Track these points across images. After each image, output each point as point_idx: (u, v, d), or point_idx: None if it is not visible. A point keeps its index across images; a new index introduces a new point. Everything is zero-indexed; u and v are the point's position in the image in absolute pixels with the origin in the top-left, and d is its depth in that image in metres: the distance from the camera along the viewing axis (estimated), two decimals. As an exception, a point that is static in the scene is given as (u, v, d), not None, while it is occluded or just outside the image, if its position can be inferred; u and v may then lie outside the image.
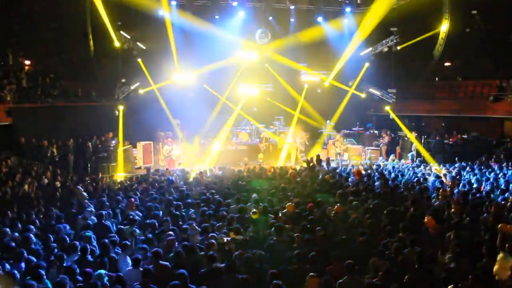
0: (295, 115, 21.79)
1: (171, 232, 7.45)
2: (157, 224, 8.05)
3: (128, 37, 19.44)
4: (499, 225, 7.00)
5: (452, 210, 8.71)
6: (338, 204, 8.80)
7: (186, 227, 7.84)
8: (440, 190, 10.54)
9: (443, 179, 12.72)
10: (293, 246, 6.93)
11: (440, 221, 8.01)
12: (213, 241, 7.11)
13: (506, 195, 10.17)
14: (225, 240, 7.35)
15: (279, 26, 21.95)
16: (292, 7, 21.12)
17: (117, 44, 18.82)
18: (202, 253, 6.82)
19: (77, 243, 6.92)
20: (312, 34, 22.86)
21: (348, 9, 21.85)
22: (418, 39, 20.91)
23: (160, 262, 6.26)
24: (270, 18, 21.38)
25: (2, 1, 18.92)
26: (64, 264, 6.21)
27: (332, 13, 22.45)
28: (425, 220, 7.73)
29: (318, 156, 16.59)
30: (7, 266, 6.00)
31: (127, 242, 7.19)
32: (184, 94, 21.48)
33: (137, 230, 7.87)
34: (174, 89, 21.28)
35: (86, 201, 10.03)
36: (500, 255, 5.83)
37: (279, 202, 9.85)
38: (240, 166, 16.52)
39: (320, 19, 22.29)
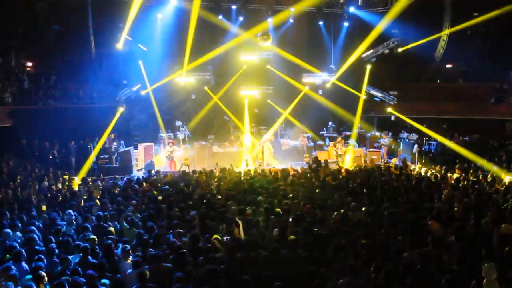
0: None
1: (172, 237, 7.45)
2: (156, 226, 8.05)
3: (130, 38, 19.44)
4: (501, 226, 6.99)
5: (456, 208, 8.69)
6: (336, 213, 8.72)
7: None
8: (443, 191, 10.53)
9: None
10: (296, 248, 6.90)
11: (442, 223, 8.00)
12: (213, 242, 7.11)
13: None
14: (225, 240, 7.36)
15: (280, 28, 21.98)
16: (292, 9, 21.08)
17: (119, 46, 18.84)
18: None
19: (80, 243, 6.94)
20: (313, 37, 22.98)
21: (352, 9, 21.83)
22: (420, 42, 20.89)
23: (163, 264, 6.27)
24: (270, 19, 21.34)
25: (4, 2, 18.97)
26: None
27: (334, 15, 22.48)
28: (429, 223, 7.68)
29: (316, 158, 16.59)
30: (10, 267, 6.00)
31: (127, 244, 7.19)
32: (186, 97, 21.52)
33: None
34: (176, 92, 21.31)
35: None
36: (485, 267, 5.69)
37: (280, 204, 9.81)
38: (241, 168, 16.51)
39: (321, 23, 22.46)
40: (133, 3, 17.81)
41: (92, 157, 17.21)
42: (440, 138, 19.31)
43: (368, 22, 21.56)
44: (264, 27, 20.88)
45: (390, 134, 21.11)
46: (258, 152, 19.07)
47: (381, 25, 20.41)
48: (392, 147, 19.76)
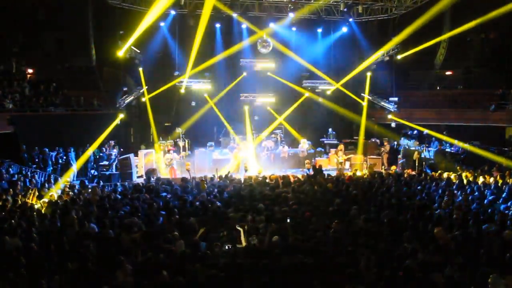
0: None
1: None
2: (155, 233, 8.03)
3: (131, 46, 19.54)
4: (505, 233, 6.98)
5: (454, 216, 8.66)
6: (336, 221, 8.66)
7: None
8: (444, 199, 10.50)
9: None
10: (297, 255, 6.87)
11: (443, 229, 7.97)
12: (215, 249, 7.08)
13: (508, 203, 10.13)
14: (226, 248, 7.32)
15: (280, 35, 22.05)
16: (291, 14, 21.12)
17: (120, 53, 18.92)
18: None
19: (80, 250, 6.91)
20: (313, 43, 23.07)
21: (350, 19, 21.89)
22: (419, 48, 20.96)
23: (162, 271, 6.23)
24: (270, 26, 21.39)
25: (5, 10, 19.08)
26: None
27: (333, 23, 22.56)
28: (435, 231, 7.59)
29: (313, 165, 16.59)
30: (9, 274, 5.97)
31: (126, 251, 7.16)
32: (186, 104, 21.59)
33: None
34: (176, 99, 21.38)
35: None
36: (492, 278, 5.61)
37: (280, 211, 9.76)
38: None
39: (320, 30, 22.55)
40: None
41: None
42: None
43: (368, 30, 21.68)
44: (264, 34, 20.99)
45: (389, 140, 21.14)
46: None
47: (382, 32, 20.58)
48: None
